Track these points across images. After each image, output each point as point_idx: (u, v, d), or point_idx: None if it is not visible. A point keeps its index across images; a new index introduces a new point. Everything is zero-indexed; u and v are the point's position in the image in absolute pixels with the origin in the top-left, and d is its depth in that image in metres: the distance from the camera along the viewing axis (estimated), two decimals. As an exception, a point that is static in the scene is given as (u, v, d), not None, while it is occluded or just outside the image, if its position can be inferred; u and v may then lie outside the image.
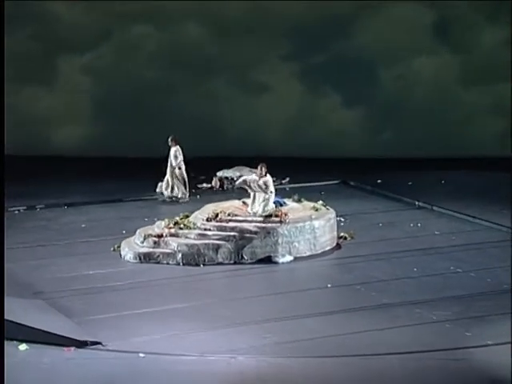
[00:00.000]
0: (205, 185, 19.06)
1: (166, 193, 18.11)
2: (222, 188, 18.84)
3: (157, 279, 13.16)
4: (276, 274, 13.61)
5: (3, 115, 11.84)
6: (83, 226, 16.14)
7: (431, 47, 22.09)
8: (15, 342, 10.43)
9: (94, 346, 10.36)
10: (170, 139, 18.01)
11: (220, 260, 13.97)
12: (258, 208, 14.33)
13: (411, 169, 20.04)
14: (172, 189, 18.07)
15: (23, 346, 10.38)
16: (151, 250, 14.20)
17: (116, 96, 21.92)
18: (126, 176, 19.70)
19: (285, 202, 14.95)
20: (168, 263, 13.96)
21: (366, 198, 18.24)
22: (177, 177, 18.01)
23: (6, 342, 10.37)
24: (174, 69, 21.98)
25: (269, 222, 14.17)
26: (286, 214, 14.24)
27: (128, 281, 13.06)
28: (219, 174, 19.23)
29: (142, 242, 14.36)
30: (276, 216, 14.22)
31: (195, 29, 22.01)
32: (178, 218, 14.63)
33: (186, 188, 18.08)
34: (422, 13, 21.97)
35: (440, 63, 22.15)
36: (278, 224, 14.16)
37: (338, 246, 14.71)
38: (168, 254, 14.06)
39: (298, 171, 19.72)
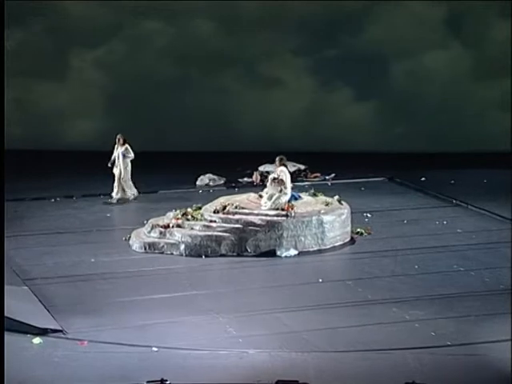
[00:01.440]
0: (246, 179, 19.01)
1: (118, 195, 17.41)
2: (263, 182, 18.77)
3: (152, 269, 13.33)
4: (272, 267, 13.57)
5: (3, 115, 11.90)
6: (108, 215, 16.28)
7: (443, 41, 22.04)
8: (29, 335, 10.52)
9: (109, 341, 10.45)
10: (117, 138, 17.37)
11: (223, 252, 14.03)
12: (269, 202, 14.35)
13: (453, 166, 19.78)
14: (123, 190, 17.40)
15: (37, 340, 10.47)
16: (156, 240, 14.37)
17: (128, 90, 21.96)
18: (151, 170, 19.48)
19: (299, 196, 14.98)
20: (172, 253, 14.11)
21: (406, 194, 18.02)
22: (123, 177, 17.32)
23: (19, 336, 10.53)
24: (185, 63, 21.99)
25: (274, 216, 14.18)
26: (292, 208, 14.22)
27: (125, 269, 13.25)
28: (260, 168, 19.26)
29: (149, 232, 14.54)
30: (282, 210, 14.23)
31: (207, 23, 22.03)
32: (189, 210, 14.77)
33: (134, 187, 17.52)
34: (433, 7, 21.92)
35: (452, 57, 22.10)
36: (284, 218, 14.16)
37: (352, 242, 14.68)
38: (172, 245, 14.21)
39: (318, 166, 19.70)
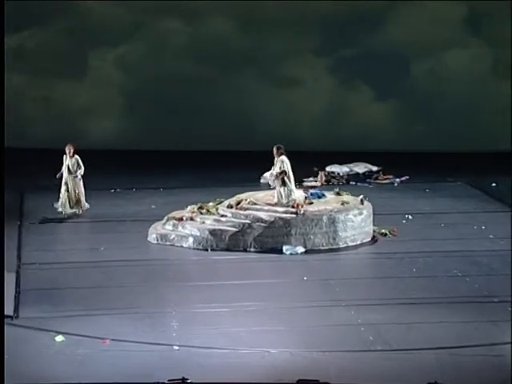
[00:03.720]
0: (311, 179, 18.89)
1: (66, 209, 16.02)
2: (328, 183, 18.72)
3: (147, 259, 13.69)
4: (270, 263, 13.55)
5: (3, 115, 11.96)
6: (153, 207, 16.34)
7: (463, 40, 21.95)
8: (52, 333, 10.59)
9: (128, 338, 10.50)
10: (67, 148, 16.03)
11: (230, 247, 14.08)
12: (281, 198, 14.33)
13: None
14: (77, 202, 16.02)
15: (60, 338, 10.52)
16: (168, 232, 14.56)
17: (147, 89, 22.01)
18: (198, 167, 19.64)
19: (323, 194, 14.96)
20: (182, 246, 14.26)
21: (470, 198, 17.58)
22: (76, 189, 15.99)
23: (42, 333, 10.60)
24: (205, 63, 22.02)
25: (283, 213, 14.14)
26: (302, 206, 14.17)
27: (125, 258, 13.64)
28: (328, 168, 19.23)
29: (164, 224, 14.72)
30: (292, 207, 14.20)
31: (226, 22, 22.05)
32: (211, 203, 14.91)
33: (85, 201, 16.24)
34: (453, 5, 21.83)
35: (472, 56, 21.99)
36: (293, 215, 14.12)
37: (372, 242, 14.60)
38: (182, 237, 14.37)
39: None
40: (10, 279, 12.29)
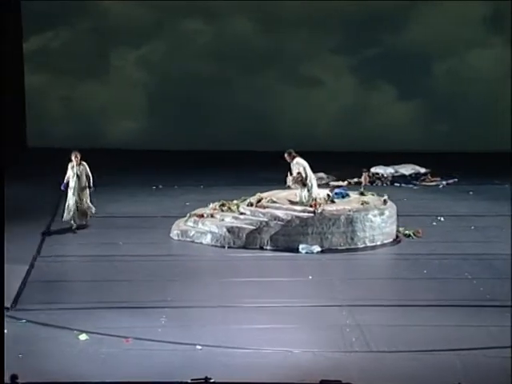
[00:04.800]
0: (356, 179, 18.80)
1: (75, 220, 15.05)
2: (372, 183, 18.71)
3: (163, 255, 13.81)
4: (289, 262, 13.55)
5: (3, 115, 12.03)
6: (187, 204, 16.37)
7: (485, 39, 21.82)
8: (75, 331, 10.67)
9: (152, 338, 10.56)
10: (73, 156, 15.02)
11: (246, 244, 14.13)
12: (303, 199, 14.33)
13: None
14: (84, 213, 15.11)
15: (83, 336, 10.60)
16: (189, 228, 14.66)
17: (169, 89, 22.07)
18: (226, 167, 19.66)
19: (347, 194, 14.95)
20: (201, 243, 14.37)
21: (508, 200, 17.00)
22: (84, 198, 15.06)
23: (65, 332, 10.69)
24: (226, 63, 22.03)
25: (301, 212, 14.13)
26: (319, 205, 14.13)
27: (141, 253, 13.80)
28: (372, 169, 19.20)
29: (186, 221, 14.82)
30: (310, 206, 14.18)
31: (247, 23, 22.06)
32: (235, 201, 14.95)
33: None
34: (475, 5, 21.72)
35: (494, 55, 21.88)
36: (311, 214, 14.10)
37: (394, 243, 14.52)
38: (201, 234, 14.47)
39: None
40: (20, 272, 12.59)
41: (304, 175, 14.26)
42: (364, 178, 18.86)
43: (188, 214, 14.94)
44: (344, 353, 10.11)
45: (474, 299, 11.96)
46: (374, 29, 21.65)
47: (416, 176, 19.22)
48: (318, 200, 14.28)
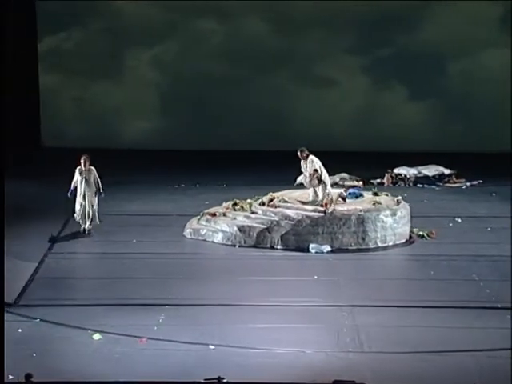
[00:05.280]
0: (378, 180, 18.82)
1: (84, 225, 14.78)
2: (394, 184, 18.67)
3: (174, 253, 13.86)
4: (294, 261, 13.57)
5: (3, 115, 12.06)
6: (206, 202, 16.30)
7: (499, 39, 21.76)
8: (89, 331, 10.71)
9: (167, 338, 10.58)
10: (84, 160, 14.64)
11: (257, 243, 14.15)
12: (318, 197, 14.34)
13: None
14: (92, 219, 14.74)
15: (97, 336, 10.63)
16: (201, 227, 14.73)
17: (182, 89, 22.12)
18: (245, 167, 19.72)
19: (361, 194, 14.94)
20: (213, 241, 14.41)
21: None
22: (93, 204, 14.71)
23: (80, 331, 10.73)
24: (239, 63, 22.07)
25: (311, 211, 14.14)
26: (330, 205, 14.13)
27: (152, 251, 13.86)
28: (395, 170, 19.17)
29: (199, 219, 14.88)
30: (321, 206, 14.19)
31: (260, 23, 22.08)
32: (249, 200, 14.99)
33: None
34: (489, 5, 21.67)
35: (508, 55, 21.81)
36: (321, 214, 14.10)
37: (406, 244, 14.48)
38: (213, 233, 14.52)
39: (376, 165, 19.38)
40: (28, 269, 12.73)
41: (320, 172, 14.27)
42: (387, 179, 18.89)
43: (201, 213, 14.99)
44: (356, 353, 10.10)
45: (482, 301, 11.90)
46: (387, 29, 21.65)
47: (440, 177, 19.16)
48: (330, 198, 14.25)
